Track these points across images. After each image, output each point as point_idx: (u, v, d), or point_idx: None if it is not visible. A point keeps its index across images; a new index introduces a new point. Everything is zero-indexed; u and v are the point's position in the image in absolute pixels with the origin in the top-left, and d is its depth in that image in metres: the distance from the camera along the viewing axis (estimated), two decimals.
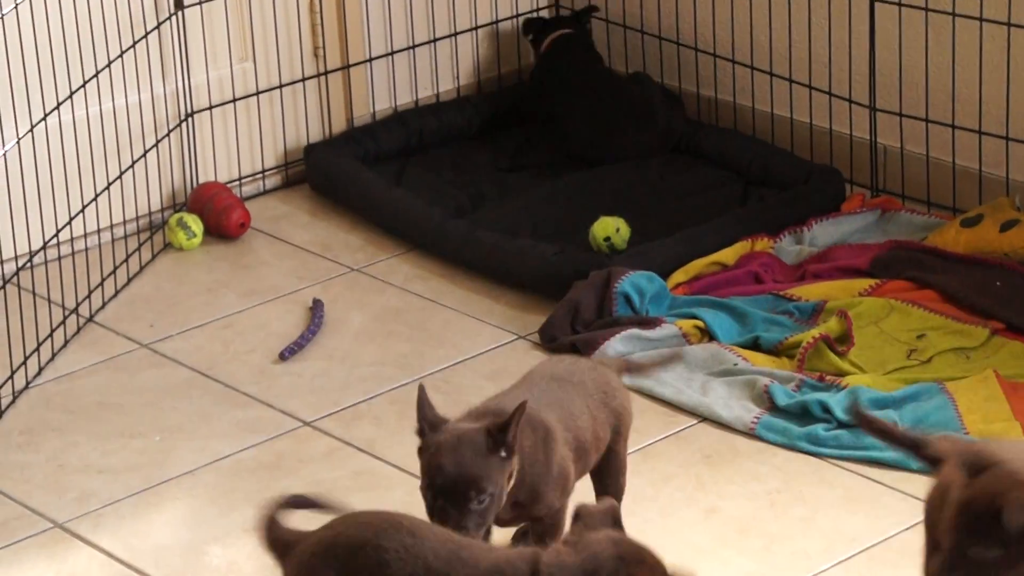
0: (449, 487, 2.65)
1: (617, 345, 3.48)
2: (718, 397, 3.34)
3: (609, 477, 2.91)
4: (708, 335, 3.54)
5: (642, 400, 3.37)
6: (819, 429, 3.26)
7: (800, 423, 3.29)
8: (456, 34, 4.46)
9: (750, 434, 3.28)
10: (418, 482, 3.20)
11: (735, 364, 3.42)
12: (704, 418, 3.32)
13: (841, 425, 3.26)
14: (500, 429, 2.68)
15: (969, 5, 3.81)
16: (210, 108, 4.15)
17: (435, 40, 4.44)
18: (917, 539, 3.00)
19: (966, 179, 3.94)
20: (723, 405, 3.32)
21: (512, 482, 2.70)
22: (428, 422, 2.75)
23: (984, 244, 3.75)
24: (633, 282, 3.59)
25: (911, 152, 4.01)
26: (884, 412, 3.27)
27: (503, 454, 2.68)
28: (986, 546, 2.35)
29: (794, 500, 3.13)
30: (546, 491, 2.76)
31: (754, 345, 3.51)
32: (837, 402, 3.30)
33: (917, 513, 3.06)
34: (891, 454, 3.17)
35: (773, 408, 3.32)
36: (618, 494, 2.91)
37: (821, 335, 3.45)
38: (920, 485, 3.13)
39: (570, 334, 3.55)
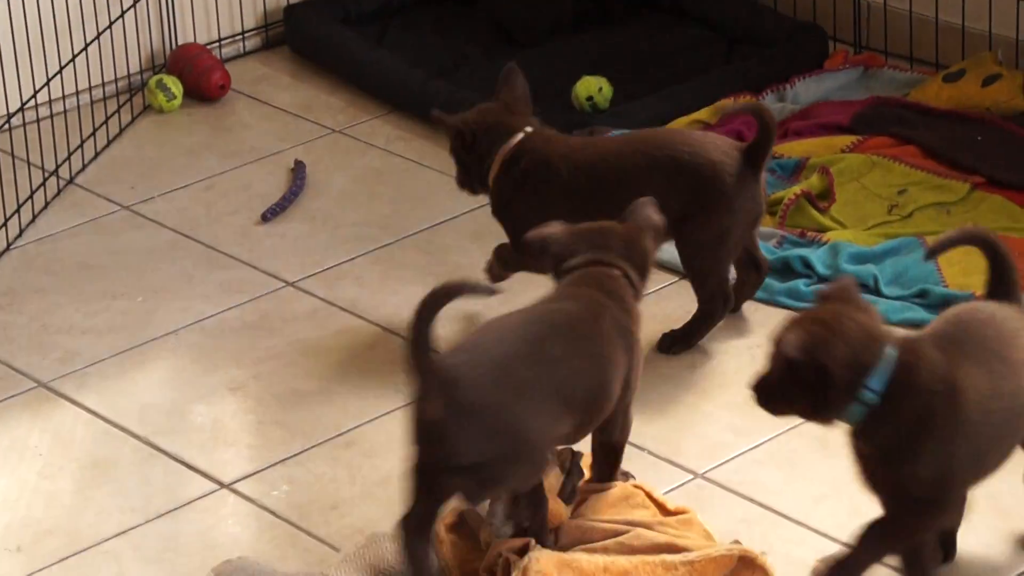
0: None
1: None
2: None
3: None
4: None
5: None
6: (800, 284, 3.27)
7: (781, 279, 3.30)
8: None
9: None
10: (399, 342, 3.22)
11: None
12: (684, 275, 3.33)
13: (821, 280, 3.27)
14: None
15: None
16: None
17: None
18: None
19: (949, 34, 3.91)
20: None
21: None
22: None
23: (966, 99, 3.74)
24: None
25: (894, 7, 3.98)
26: (864, 266, 3.28)
27: None
28: None
29: None
30: None
31: None
32: (818, 257, 3.31)
33: None
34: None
35: None
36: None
37: (802, 191, 3.45)
38: None
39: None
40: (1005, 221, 3.41)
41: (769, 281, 3.28)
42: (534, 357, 2.47)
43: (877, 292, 3.25)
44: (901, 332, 2.54)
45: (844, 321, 2.43)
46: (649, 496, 2.70)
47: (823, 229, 3.42)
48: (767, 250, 3.33)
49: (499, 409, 2.42)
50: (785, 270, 3.32)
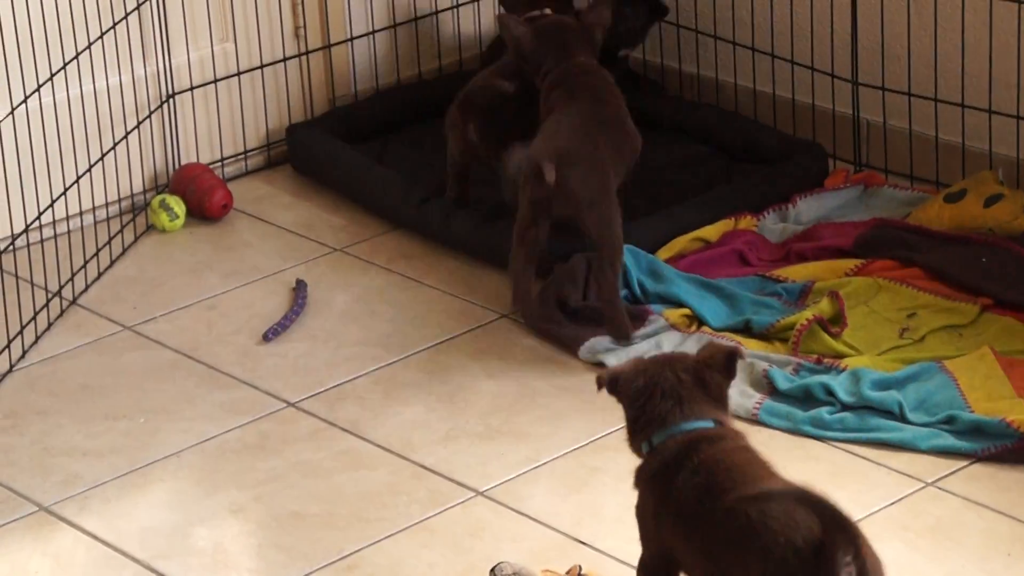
0: None
1: (605, 341, 3.47)
2: None
3: None
4: (698, 322, 3.52)
5: None
6: (823, 412, 3.22)
7: (803, 407, 3.25)
8: (437, 12, 4.46)
9: (753, 420, 3.25)
10: (401, 463, 3.22)
11: None
12: None
13: (845, 407, 3.24)
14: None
15: None
16: (191, 89, 4.14)
17: (416, 19, 4.44)
18: (902, 513, 3.03)
19: (949, 153, 3.94)
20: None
21: None
22: None
23: (968, 219, 3.74)
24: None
25: (894, 126, 4.02)
26: (888, 392, 3.24)
27: None
28: None
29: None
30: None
31: (745, 329, 3.48)
32: (839, 384, 3.27)
33: (903, 487, 3.09)
34: (899, 435, 3.17)
35: (774, 392, 3.29)
36: None
37: (815, 316, 3.42)
38: (906, 461, 3.15)
39: (554, 319, 3.54)
40: (1019, 344, 3.39)
41: (791, 410, 3.25)
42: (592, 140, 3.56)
43: (903, 419, 3.21)
44: None
45: None
46: None
47: (838, 355, 3.39)
48: (785, 378, 3.31)
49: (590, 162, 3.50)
50: (806, 398, 3.28)
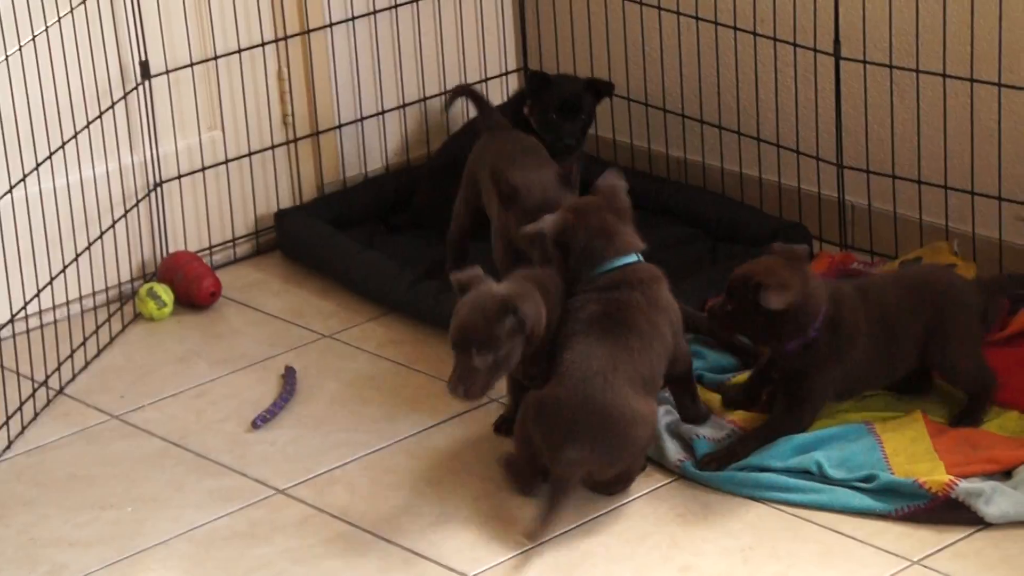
0: (455, 341, 3.19)
1: None
2: (663, 430, 3.43)
3: None
4: None
5: None
6: (737, 474, 3.33)
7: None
8: (425, 99, 4.52)
9: (676, 470, 3.36)
10: (391, 548, 3.23)
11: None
12: (678, 476, 3.36)
13: (763, 471, 3.33)
14: (515, 303, 3.17)
15: (932, 62, 3.87)
16: (179, 177, 4.19)
17: (404, 105, 4.50)
18: None
19: (933, 234, 4.00)
20: (664, 437, 3.41)
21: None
22: (458, 283, 3.24)
23: None
24: None
25: (879, 208, 4.07)
26: (806, 456, 3.33)
27: (511, 322, 3.16)
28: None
29: (768, 556, 3.16)
30: None
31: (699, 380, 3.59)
32: (752, 457, 3.37)
33: (891, 565, 3.11)
34: (815, 497, 3.26)
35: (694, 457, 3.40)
36: None
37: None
38: (892, 539, 3.17)
39: None
40: (953, 410, 3.47)
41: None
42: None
43: (823, 476, 3.29)
44: None
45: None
46: None
47: None
48: (705, 445, 3.39)
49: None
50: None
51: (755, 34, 4.13)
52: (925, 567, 3.10)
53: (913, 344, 3.43)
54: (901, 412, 3.47)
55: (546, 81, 4.20)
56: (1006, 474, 3.28)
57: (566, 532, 3.24)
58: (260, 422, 3.64)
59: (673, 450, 3.40)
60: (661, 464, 3.39)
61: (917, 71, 3.89)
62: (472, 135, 4.14)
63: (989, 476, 3.26)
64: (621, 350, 3.24)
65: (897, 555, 3.13)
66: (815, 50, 4.02)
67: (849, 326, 3.37)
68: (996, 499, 3.18)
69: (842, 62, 3.97)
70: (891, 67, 3.93)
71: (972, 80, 3.83)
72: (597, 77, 4.37)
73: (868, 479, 3.27)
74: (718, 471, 3.33)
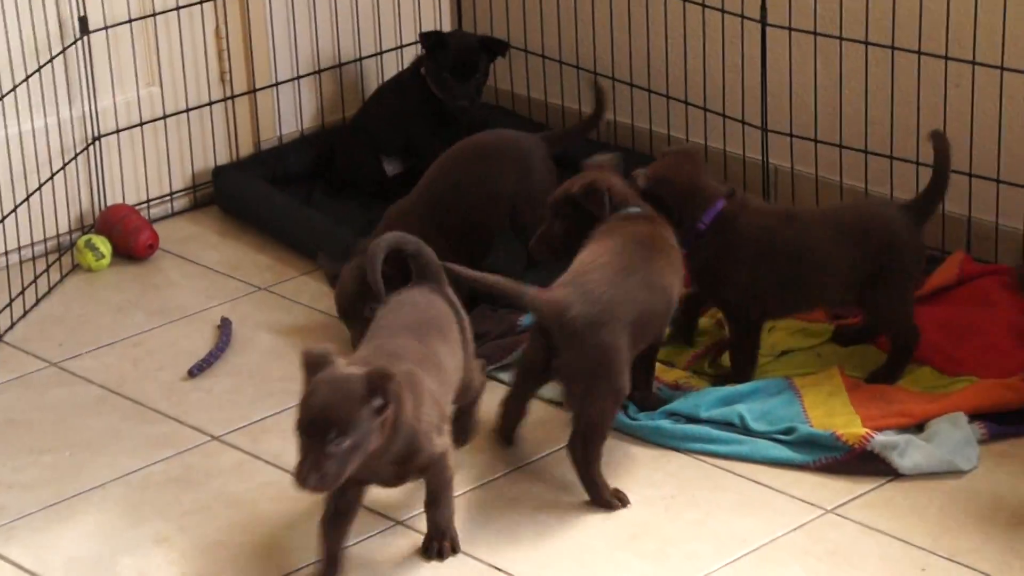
0: (308, 425, 2.82)
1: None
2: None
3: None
4: None
5: (545, 409, 3.49)
6: (664, 423, 3.41)
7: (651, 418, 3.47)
8: (361, 59, 4.58)
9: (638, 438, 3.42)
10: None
11: None
12: None
13: (690, 421, 3.42)
14: (380, 381, 2.83)
15: (855, 30, 3.96)
16: (117, 132, 4.23)
17: (341, 65, 4.55)
18: (805, 539, 3.16)
19: (853, 197, 4.08)
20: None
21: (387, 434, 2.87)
22: (308, 362, 2.89)
23: None
24: None
25: (801, 171, 4.16)
26: (729, 408, 3.43)
27: (378, 403, 2.83)
28: None
29: (688, 505, 3.25)
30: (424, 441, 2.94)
31: None
32: (683, 404, 3.46)
33: (805, 514, 3.21)
34: (737, 448, 3.35)
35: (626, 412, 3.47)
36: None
37: (704, 346, 3.64)
38: (807, 489, 3.28)
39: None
40: (869, 367, 3.58)
41: (641, 423, 3.43)
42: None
43: (745, 429, 3.40)
44: None
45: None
46: None
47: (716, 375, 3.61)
48: (633, 408, 3.48)
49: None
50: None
51: (684, 0, 4.21)
52: (838, 515, 3.21)
53: (843, 280, 3.48)
54: (819, 368, 3.59)
55: (441, 41, 4.25)
56: (918, 428, 3.39)
57: (493, 480, 3.33)
58: (196, 371, 3.70)
59: None
60: None
61: (840, 38, 3.98)
62: (386, 97, 4.20)
63: (903, 429, 3.37)
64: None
65: (812, 504, 3.24)
66: (742, 16, 4.11)
67: (743, 231, 3.45)
68: (910, 452, 3.29)
69: (768, 28, 4.04)
70: (815, 34, 4.02)
71: (892, 48, 3.91)
72: (492, 36, 4.42)
73: (788, 431, 3.37)
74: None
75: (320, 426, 2.81)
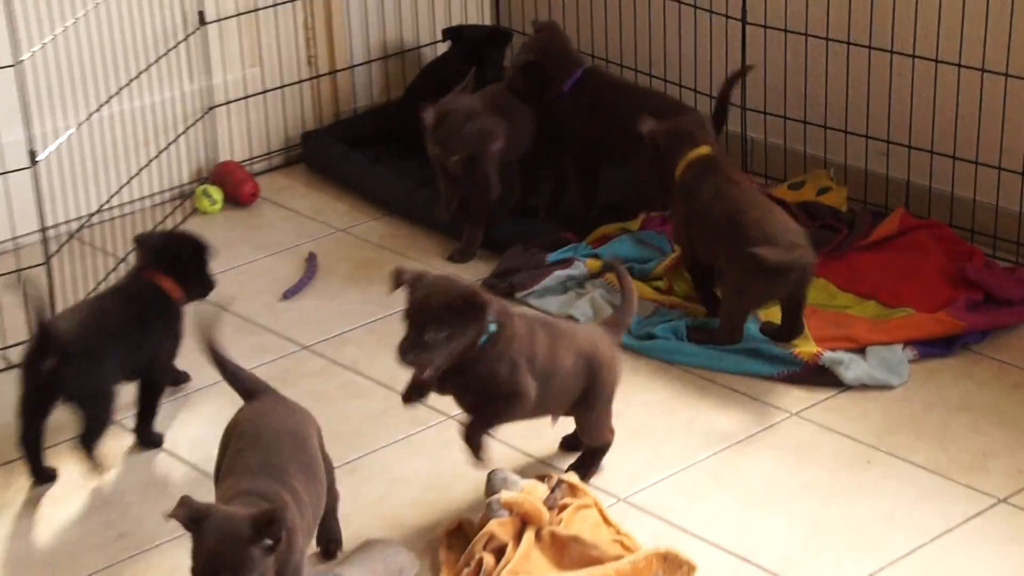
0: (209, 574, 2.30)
1: (547, 282, 3.59)
2: (578, 310, 3.47)
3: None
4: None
5: None
6: (661, 341, 3.38)
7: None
8: (420, 47, 4.54)
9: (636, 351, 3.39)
10: (391, 393, 3.31)
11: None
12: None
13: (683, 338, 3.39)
14: (268, 521, 2.31)
15: (817, 27, 3.93)
16: (227, 103, 4.22)
17: (404, 52, 4.52)
18: (774, 436, 3.15)
19: (815, 164, 4.06)
20: (580, 314, 3.45)
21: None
22: (189, 515, 2.33)
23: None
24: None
25: (773, 143, 4.12)
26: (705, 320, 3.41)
27: (268, 543, 2.33)
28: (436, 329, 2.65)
29: (680, 407, 3.25)
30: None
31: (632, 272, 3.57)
32: (664, 321, 3.44)
33: (774, 416, 3.21)
34: (715, 362, 3.32)
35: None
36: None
37: (674, 261, 3.58)
38: (776, 396, 3.27)
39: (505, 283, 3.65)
40: (822, 298, 3.53)
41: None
42: None
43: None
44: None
45: None
46: (600, 512, 2.83)
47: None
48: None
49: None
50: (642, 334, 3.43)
51: (678, 1, 4.16)
52: (800, 417, 3.20)
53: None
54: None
55: (458, 33, 4.20)
56: (861, 351, 3.37)
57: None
58: (289, 294, 3.70)
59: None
60: None
61: (806, 35, 3.94)
62: (427, 76, 4.12)
63: (849, 351, 3.35)
64: None
65: (779, 408, 3.23)
66: (726, 16, 4.06)
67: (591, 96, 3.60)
68: (852, 367, 3.28)
69: (748, 26, 4.01)
70: (786, 31, 3.98)
71: (848, 43, 3.88)
72: (500, 27, 4.33)
73: (754, 351, 3.35)
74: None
75: (212, 572, 2.30)
